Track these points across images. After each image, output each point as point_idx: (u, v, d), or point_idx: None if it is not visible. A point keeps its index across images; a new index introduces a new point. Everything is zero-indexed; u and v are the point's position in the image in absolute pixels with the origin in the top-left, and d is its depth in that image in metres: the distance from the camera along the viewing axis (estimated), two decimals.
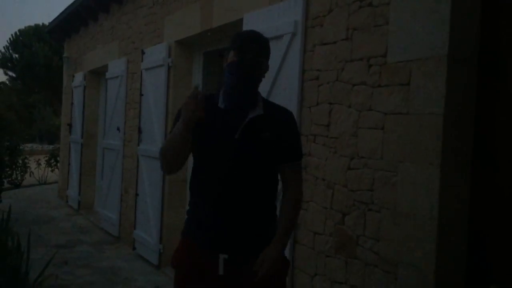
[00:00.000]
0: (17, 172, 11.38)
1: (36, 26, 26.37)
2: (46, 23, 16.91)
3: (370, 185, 2.63)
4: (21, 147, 11.77)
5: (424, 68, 2.34)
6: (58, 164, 11.17)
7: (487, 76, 2.31)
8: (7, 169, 10.71)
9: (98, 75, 7.99)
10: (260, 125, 1.96)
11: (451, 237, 2.29)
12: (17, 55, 26.34)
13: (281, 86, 3.32)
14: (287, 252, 3.12)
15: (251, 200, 1.97)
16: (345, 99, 2.83)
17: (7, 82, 29.61)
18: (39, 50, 24.43)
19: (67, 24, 8.87)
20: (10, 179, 11.05)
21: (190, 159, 2.11)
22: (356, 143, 2.74)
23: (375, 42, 2.65)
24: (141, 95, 5.61)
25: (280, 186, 2.12)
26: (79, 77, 8.33)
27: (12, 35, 26.91)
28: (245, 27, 3.73)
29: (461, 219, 2.33)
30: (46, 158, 12.77)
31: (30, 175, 11.93)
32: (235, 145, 1.93)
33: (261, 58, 1.97)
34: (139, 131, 5.62)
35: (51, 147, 16.73)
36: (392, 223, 2.48)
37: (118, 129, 6.33)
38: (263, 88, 3.39)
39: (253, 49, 1.93)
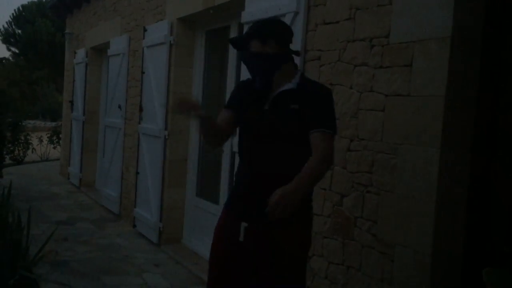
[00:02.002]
0: (19, 149, 11.42)
1: (39, 1, 26.16)
2: None
3: (369, 167, 2.62)
4: (23, 124, 11.78)
5: (426, 49, 2.31)
6: (60, 141, 11.19)
7: (491, 57, 2.28)
8: (9, 145, 10.74)
9: (100, 52, 7.94)
10: (290, 98, 2.10)
11: (449, 219, 2.29)
12: (19, 31, 26.19)
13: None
14: None
15: (276, 170, 2.05)
16: (347, 80, 2.80)
17: (10, 58, 29.52)
18: (41, 26, 24.27)
19: (69, 0, 8.78)
20: (12, 155, 11.10)
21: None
22: (356, 124, 2.72)
23: (378, 22, 2.61)
24: (143, 73, 5.58)
25: None
26: (81, 54, 8.29)
27: (15, 10, 26.76)
28: (248, 6, 3.68)
29: (460, 202, 2.32)
30: (48, 135, 12.79)
31: (32, 152, 11.98)
32: (265, 116, 2.12)
33: (259, 44, 2.13)
34: (140, 109, 5.60)
35: (53, 124, 16.75)
36: (390, 205, 2.47)
37: (119, 107, 6.31)
38: None
39: (249, 39, 2.17)
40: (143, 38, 5.58)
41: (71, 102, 8.72)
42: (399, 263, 2.42)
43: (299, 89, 2.12)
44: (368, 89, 2.65)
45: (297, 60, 3.16)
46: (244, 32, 2.31)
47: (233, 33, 4.44)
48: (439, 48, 2.25)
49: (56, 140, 12.47)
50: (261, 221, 1.99)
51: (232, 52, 4.42)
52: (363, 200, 2.65)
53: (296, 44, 3.18)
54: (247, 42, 2.17)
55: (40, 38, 24.19)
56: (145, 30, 5.55)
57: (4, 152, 7.70)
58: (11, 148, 11.04)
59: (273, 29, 2.20)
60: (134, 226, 5.58)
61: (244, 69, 3.67)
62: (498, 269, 1.36)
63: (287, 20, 3.23)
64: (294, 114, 2.06)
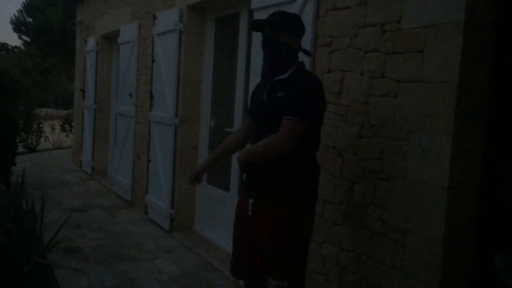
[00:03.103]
0: (32, 137, 11.52)
1: None
2: None
3: (380, 154, 2.61)
4: (35, 112, 11.87)
5: (439, 35, 2.28)
6: (72, 129, 11.27)
7: (504, 42, 2.24)
8: (22, 133, 10.85)
9: (110, 40, 7.95)
10: (279, 87, 2.32)
11: (461, 206, 2.28)
12: (30, 19, 26.26)
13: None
14: None
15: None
16: (358, 66, 2.78)
17: (22, 47, 29.66)
18: (52, 14, 24.31)
19: None
20: (25, 143, 11.21)
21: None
22: (367, 111, 2.70)
23: (389, 7, 2.57)
24: (153, 60, 5.58)
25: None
26: (91, 42, 8.30)
27: None
28: None
29: (472, 189, 2.30)
30: (61, 123, 12.89)
31: (45, 140, 12.09)
32: (262, 104, 2.41)
33: (274, 33, 2.37)
34: (151, 97, 5.61)
35: (65, 112, 16.86)
36: (401, 192, 2.46)
37: (130, 94, 6.33)
38: None
39: (267, 26, 2.41)
40: (153, 26, 5.57)
41: (83, 90, 8.77)
42: (410, 250, 2.41)
43: (288, 79, 2.33)
44: (380, 75, 2.63)
45: (307, 46, 3.16)
46: (271, 19, 2.42)
47: (243, 20, 4.41)
48: (451, 34, 2.21)
49: (69, 128, 12.56)
50: (262, 199, 2.37)
51: (243, 39, 4.40)
52: (374, 187, 2.64)
53: (306, 31, 3.15)
54: (273, 33, 2.38)
55: (51, 27, 24.23)
56: (155, 17, 5.54)
57: (17, 140, 7.76)
58: (24, 136, 11.15)
59: (300, 25, 2.48)
60: (146, 213, 5.63)
61: (256, 56, 3.65)
62: (510, 256, 1.34)
63: (297, 5, 3.20)
64: (279, 100, 2.28)
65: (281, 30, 2.37)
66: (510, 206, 2.21)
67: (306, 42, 3.14)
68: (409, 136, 2.43)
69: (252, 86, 3.56)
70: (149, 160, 5.64)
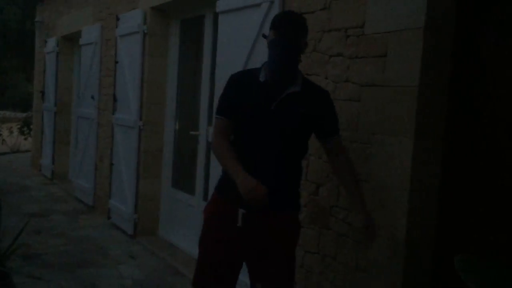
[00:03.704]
0: None
1: None
2: None
3: None
4: None
5: (400, 40, 2.33)
6: (31, 132, 10.94)
7: (463, 48, 2.32)
8: None
9: (71, 41, 7.77)
10: (296, 100, 2.19)
11: (422, 208, 2.33)
12: None
13: (258, 55, 3.27)
14: None
15: (277, 166, 2.19)
16: (322, 70, 2.81)
17: None
18: (10, 14, 23.57)
19: None
20: None
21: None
22: None
23: (353, 12, 2.62)
24: (116, 62, 5.49)
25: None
26: (51, 43, 8.09)
27: None
28: None
29: (433, 190, 2.36)
30: (19, 126, 12.50)
31: (2, 143, 11.70)
32: (271, 116, 2.17)
33: (297, 37, 2.16)
34: (114, 99, 5.52)
35: (24, 114, 16.35)
36: (365, 195, 2.50)
37: (92, 97, 6.21)
38: (242, 56, 3.36)
39: (290, 29, 2.15)
40: (116, 27, 5.48)
41: (42, 92, 8.53)
42: (374, 251, 2.45)
43: (303, 92, 2.21)
44: (344, 79, 2.67)
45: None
46: (292, 21, 2.19)
47: (208, 23, 4.40)
48: (412, 39, 2.27)
49: (27, 131, 12.19)
50: (260, 210, 2.13)
51: (208, 42, 4.38)
52: (339, 189, 2.68)
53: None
54: (298, 40, 2.18)
55: (9, 27, 23.50)
56: (118, 19, 5.45)
57: None
58: None
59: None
60: (109, 217, 5.52)
61: (221, 59, 3.64)
62: (469, 256, 1.39)
63: (262, 10, 3.22)
64: (300, 117, 2.18)
65: (302, 37, 2.21)
66: (467, 207, 2.29)
67: None
68: (372, 139, 2.47)
69: (218, 89, 3.55)
70: (112, 164, 5.54)
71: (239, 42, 3.43)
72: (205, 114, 4.37)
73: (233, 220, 2.18)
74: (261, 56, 3.25)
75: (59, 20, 7.95)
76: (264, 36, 2.26)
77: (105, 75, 5.94)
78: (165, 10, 4.91)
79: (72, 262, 4.18)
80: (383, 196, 2.40)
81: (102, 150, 5.96)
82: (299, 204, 2.37)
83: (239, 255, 2.26)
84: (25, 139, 12.24)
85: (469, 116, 2.30)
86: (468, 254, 1.45)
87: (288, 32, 2.13)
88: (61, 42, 7.86)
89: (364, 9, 2.54)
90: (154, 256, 4.47)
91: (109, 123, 5.68)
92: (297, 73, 2.24)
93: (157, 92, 4.98)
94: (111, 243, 4.81)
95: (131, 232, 5.01)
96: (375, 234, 2.37)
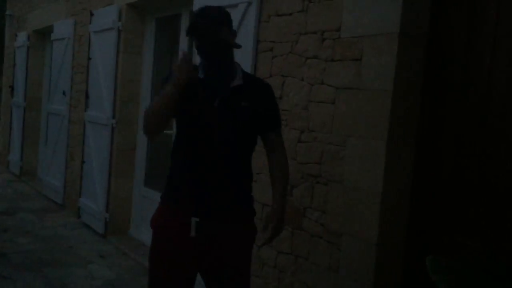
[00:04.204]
0: None
1: None
2: None
3: (319, 158, 2.67)
4: None
5: (375, 44, 2.37)
6: None
7: (437, 52, 2.37)
8: None
9: (43, 35, 7.60)
10: (239, 95, 2.05)
11: (394, 210, 2.38)
12: None
13: (235, 56, 3.27)
14: None
15: (227, 166, 2.05)
16: (298, 72, 2.84)
17: None
18: None
19: None
20: None
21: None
22: (307, 116, 2.76)
23: (329, 16, 2.65)
24: (89, 59, 5.40)
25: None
26: (22, 37, 7.90)
27: None
28: None
29: (404, 193, 2.41)
30: None
31: None
32: (214, 113, 2.03)
33: (217, 31, 2.01)
34: (87, 96, 5.43)
35: None
36: (338, 196, 2.53)
37: (64, 93, 6.09)
38: None
39: (205, 26, 2.00)
40: (90, 23, 5.39)
41: (11, 87, 8.32)
42: (346, 252, 2.49)
43: (244, 86, 2.08)
44: (319, 82, 2.69)
45: (249, 50, 3.19)
46: (204, 17, 2.02)
47: (184, 21, 4.37)
48: (387, 43, 2.31)
49: None
50: (214, 216, 2.03)
51: (183, 40, 4.36)
52: (313, 190, 2.70)
53: (248, 35, 3.19)
54: (215, 28, 2.01)
55: None
56: (92, 14, 5.36)
57: None
58: None
59: (231, 18, 2.14)
60: (79, 216, 5.43)
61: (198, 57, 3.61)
62: (440, 256, 1.42)
63: (240, 10, 3.22)
64: (245, 112, 2.04)
65: (222, 27, 2.04)
66: (440, 210, 2.34)
67: (248, 45, 3.17)
68: (346, 141, 2.51)
69: None
70: (83, 162, 5.45)
71: None
72: None
73: (185, 230, 2.03)
74: (237, 55, 3.25)
75: (31, 14, 7.77)
76: (187, 33, 2.08)
77: (77, 71, 5.84)
78: (141, 7, 4.85)
79: (41, 262, 4.09)
80: (355, 198, 2.44)
81: (73, 148, 5.85)
82: (253, 208, 2.23)
83: (193, 266, 2.10)
84: None
85: (441, 119, 2.35)
86: (439, 255, 1.48)
87: (206, 33, 1.99)
88: (32, 37, 7.68)
89: (340, 13, 2.57)
90: (125, 255, 4.42)
91: (81, 120, 5.58)
92: (234, 67, 2.12)
93: (131, 89, 4.92)
94: (81, 242, 4.73)
95: (101, 231, 4.94)
96: (272, 235, 2.13)
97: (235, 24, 3.21)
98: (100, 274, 3.93)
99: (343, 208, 2.50)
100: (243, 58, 3.19)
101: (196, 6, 3.66)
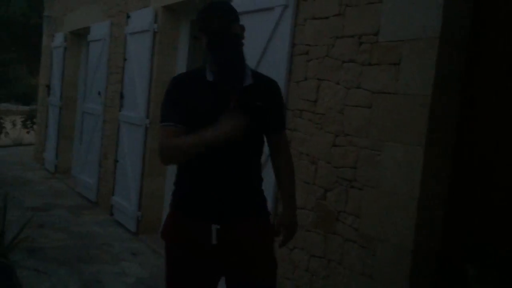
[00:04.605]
0: None
1: None
2: None
3: (354, 162, 2.66)
4: None
5: (415, 49, 2.35)
6: (34, 126, 10.94)
7: (476, 58, 2.34)
8: None
9: (79, 36, 7.78)
10: (252, 94, 1.95)
11: (430, 216, 2.35)
12: None
13: (270, 58, 3.29)
14: None
15: (242, 169, 1.98)
16: (334, 75, 2.83)
17: None
18: (16, 7, 23.60)
19: None
20: None
21: None
22: (342, 120, 2.76)
23: (367, 20, 2.64)
24: (125, 60, 5.51)
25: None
26: (59, 38, 8.11)
27: None
28: None
29: (441, 199, 2.38)
30: (22, 119, 12.50)
31: (5, 136, 11.70)
32: (232, 116, 1.88)
33: (229, 27, 1.90)
34: (121, 96, 5.53)
35: (27, 108, 16.35)
36: (373, 201, 2.52)
37: (99, 93, 6.22)
38: (252, 59, 3.37)
39: (219, 23, 1.88)
40: (126, 25, 5.50)
41: (48, 86, 8.55)
42: (380, 257, 2.47)
43: (255, 85, 1.98)
44: (355, 86, 2.68)
45: (284, 53, 3.20)
46: (214, 12, 1.91)
47: None
48: (427, 48, 2.29)
49: (30, 124, 12.19)
50: (234, 221, 1.95)
51: None
52: (347, 194, 2.69)
53: (284, 38, 3.20)
54: (228, 23, 1.90)
55: (14, 20, 23.52)
56: (128, 16, 5.47)
57: None
58: None
59: (238, 14, 2.01)
60: (112, 214, 5.53)
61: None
62: (481, 265, 1.40)
63: (276, 13, 3.24)
64: (261, 112, 1.93)
65: (232, 21, 1.94)
66: (477, 216, 2.30)
67: (284, 49, 3.18)
68: (382, 146, 2.49)
69: None
70: (116, 161, 5.55)
71: (250, 45, 3.42)
72: None
73: (205, 239, 1.92)
74: (272, 58, 3.27)
75: (68, 15, 7.96)
76: (195, 37, 2.01)
77: (112, 72, 5.95)
78: (176, 9, 4.92)
79: (75, 257, 4.19)
80: (391, 203, 2.42)
81: (107, 147, 5.98)
82: (267, 209, 2.12)
83: (217, 274, 2.02)
84: (28, 132, 12.25)
85: (480, 124, 2.31)
86: (480, 263, 1.46)
87: (219, 29, 1.87)
88: (69, 38, 7.87)
89: (379, 17, 2.56)
90: (157, 254, 4.48)
91: (115, 120, 5.69)
92: (245, 65, 1.99)
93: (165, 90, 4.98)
94: (113, 239, 4.82)
95: (134, 230, 5.02)
96: (285, 238, 2.13)
97: (270, 27, 3.26)
98: (132, 271, 4.00)
99: (378, 213, 2.48)
100: (278, 61, 3.22)
101: None
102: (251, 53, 3.38)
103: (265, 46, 3.31)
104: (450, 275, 2.35)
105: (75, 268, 3.96)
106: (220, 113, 1.87)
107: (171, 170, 5.03)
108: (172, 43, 5.00)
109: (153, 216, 5.03)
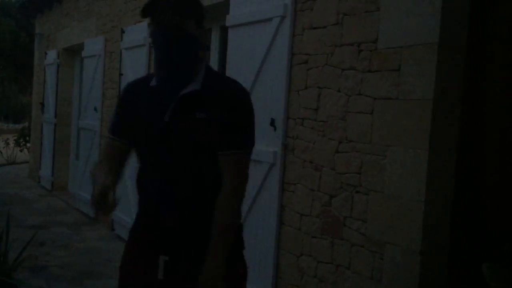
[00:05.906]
0: None
1: (2, 0, 25.35)
2: None
3: (358, 168, 2.70)
4: None
5: (414, 55, 2.40)
6: (28, 144, 10.89)
7: (475, 62, 2.39)
8: None
9: (73, 53, 7.80)
10: (195, 104, 1.63)
11: (437, 218, 2.38)
12: None
13: (269, 69, 3.33)
14: (273, 234, 3.18)
15: (188, 195, 1.67)
16: (335, 83, 2.88)
17: None
18: (4, 25, 23.55)
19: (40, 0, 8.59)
20: None
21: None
22: (344, 126, 2.80)
23: (366, 28, 2.69)
24: (121, 74, 5.53)
25: None
26: (52, 55, 8.12)
27: None
28: (233, 9, 3.71)
29: (447, 201, 2.42)
30: (15, 138, 12.44)
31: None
32: (165, 128, 1.64)
33: (180, 22, 1.58)
34: None
35: (17, 126, 16.27)
36: (379, 205, 2.55)
37: (95, 109, 6.23)
38: (251, 70, 3.42)
39: (166, 11, 1.57)
40: (121, 40, 5.53)
41: (42, 104, 8.54)
42: (389, 261, 2.49)
43: (204, 90, 1.64)
44: (356, 93, 2.73)
45: (283, 63, 3.24)
46: (169, 2, 1.58)
47: (214, 36, 4.46)
48: (427, 53, 2.34)
49: (23, 142, 12.13)
50: (186, 253, 1.67)
51: (214, 55, 4.44)
52: (352, 200, 2.72)
53: (282, 48, 3.25)
54: (179, 16, 1.58)
55: (3, 38, 23.46)
56: (122, 31, 5.50)
57: None
58: None
59: (203, 11, 1.69)
60: (113, 229, 5.52)
61: (231, 73, 3.68)
62: (497, 265, 1.44)
63: (273, 24, 3.28)
64: (201, 125, 1.62)
65: (201, 25, 1.66)
66: (484, 218, 2.34)
67: (283, 59, 3.22)
68: (386, 151, 2.53)
69: None
70: None
71: (249, 56, 3.49)
72: None
73: (151, 269, 1.67)
74: (272, 69, 3.32)
75: (60, 32, 7.98)
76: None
77: (108, 87, 5.97)
78: None
79: (79, 274, 4.18)
80: (398, 207, 2.45)
81: None
82: (241, 238, 1.76)
83: None
84: (21, 150, 12.19)
85: (483, 126, 2.36)
86: (495, 263, 1.50)
87: (167, 21, 1.56)
88: (62, 54, 7.89)
89: (377, 24, 2.61)
90: None
91: None
92: (195, 67, 1.66)
93: None
94: (116, 254, 4.78)
95: None
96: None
97: (269, 38, 3.30)
98: None
99: (385, 217, 2.51)
100: (278, 71, 3.26)
101: (229, 21, 3.74)
102: (250, 65, 3.44)
103: (264, 56, 3.34)
104: (463, 276, 2.38)
105: (79, 284, 3.95)
106: (154, 127, 1.65)
107: None
108: None
109: None
